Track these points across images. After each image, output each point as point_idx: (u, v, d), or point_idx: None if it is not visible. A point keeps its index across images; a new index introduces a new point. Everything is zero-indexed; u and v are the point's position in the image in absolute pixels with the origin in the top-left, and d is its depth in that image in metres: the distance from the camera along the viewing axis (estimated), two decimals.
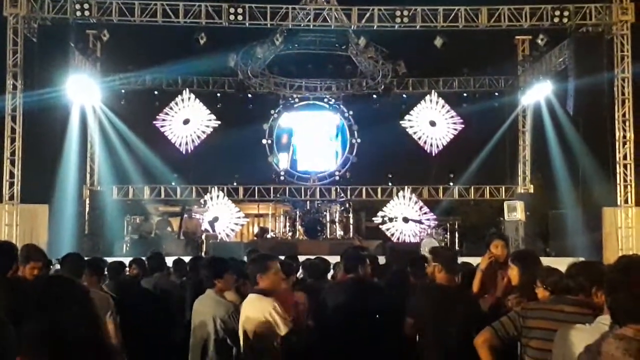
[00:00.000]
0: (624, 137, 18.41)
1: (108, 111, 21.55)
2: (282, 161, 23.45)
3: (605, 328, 3.07)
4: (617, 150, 18.39)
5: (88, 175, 21.93)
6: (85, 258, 6.59)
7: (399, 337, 5.95)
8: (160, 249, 15.54)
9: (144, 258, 8.97)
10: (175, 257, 9.67)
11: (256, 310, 5.37)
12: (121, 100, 22.40)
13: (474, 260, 8.51)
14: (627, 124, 18.38)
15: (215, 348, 5.72)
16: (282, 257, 7.13)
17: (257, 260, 5.81)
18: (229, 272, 6.02)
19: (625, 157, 18.41)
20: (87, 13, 18.28)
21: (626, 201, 18.37)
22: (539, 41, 19.59)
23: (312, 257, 8.31)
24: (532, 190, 22.43)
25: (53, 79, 17.72)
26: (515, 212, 20.47)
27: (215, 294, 5.86)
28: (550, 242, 19.18)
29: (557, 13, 18.42)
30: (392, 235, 21.74)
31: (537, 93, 21.03)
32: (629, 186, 18.37)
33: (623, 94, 18.40)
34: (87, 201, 21.19)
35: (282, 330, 5.28)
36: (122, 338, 5.75)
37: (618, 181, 18.36)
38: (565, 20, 18.43)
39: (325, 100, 23.73)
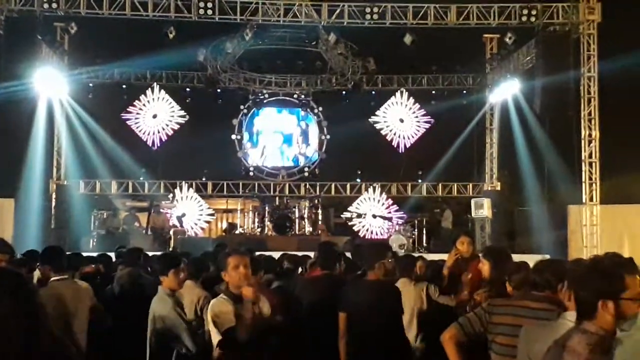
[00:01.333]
0: (590, 135, 18.64)
1: (75, 105, 21.26)
2: (251, 157, 23.39)
3: (570, 324, 3.11)
4: (583, 149, 18.61)
5: (55, 169, 21.66)
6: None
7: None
8: (127, 244, 15.46)
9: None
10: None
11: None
12: (89, 93, 22.18)
13: (441, 257, 8.64)
14: (592, 122, 18.61)
15: (156, 343, 5.77)
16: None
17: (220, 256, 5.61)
18: (177, 268, 5.93)
19: (590, 156, 18.64)
20: (54, 5, 18.01)
21: (591, 199, 18.61)
22: (507, 40, 19.76)
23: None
24: (499, 188, 22.61)
25: (20, 72, 17.44)
26: (482, 209, 20.65)
27: (162, 290, 5.86)
28: (516, 239, 19.37)
29: (525, 12, 18.59)
30: (361, 231, 21.81)
31: (505, 91, 21.21)
32: (594, 184, 18.60)
33: (589, 92, 18.62)
34: (54, 195, 20.97)
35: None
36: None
37: (583, 179, 18.59)
38: (532, 19, 18.62)
39: (295, 96, 23.70)
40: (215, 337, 4.88)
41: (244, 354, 4.77)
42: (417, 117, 22.96)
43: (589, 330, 2.85)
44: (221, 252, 6.08)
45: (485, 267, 5.56)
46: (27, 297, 2.57)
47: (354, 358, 5.82)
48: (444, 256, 8.27)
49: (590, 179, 18.61)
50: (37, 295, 2.68)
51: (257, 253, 8.95)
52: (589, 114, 18.62)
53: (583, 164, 18.58)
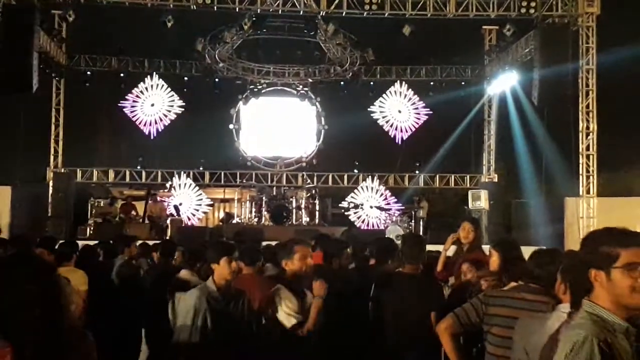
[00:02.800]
0: (588, 128, 18.64)
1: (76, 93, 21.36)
2: (248, 146, 23.37)
3: (565, 316, 3.11)
4: (580, 141, 18.62)
5: (52, 158, 21.66)
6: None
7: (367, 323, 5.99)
8: (124, 232, 15.48)
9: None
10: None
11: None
12: (86, 82, 22.13)
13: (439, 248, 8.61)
14: (590, 115, 18.61)
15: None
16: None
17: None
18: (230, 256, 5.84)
19: (588, 148, 18.64)
20: None
21: (588, 191, 18.62)
22: (506, 31, 19.77)
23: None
24: (496, 180, 22.64)
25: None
26: (479, 201, 20.67)
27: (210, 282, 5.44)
28: (513, 231, 19.39)
29: (524, 4, 18.55)
30: (358, 222, 21.85)
31: (503, 83, 21.22)
32: (591, 177, 18.62)
33: (587, 85, 18.62)
34: (51, 183, 20.96)
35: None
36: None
37: (580, 172, 18.61)
38: (531, 11, 18.58)
39: (293, 86, 23.67)
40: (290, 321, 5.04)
41: None
42: (415, 108, 22.98)
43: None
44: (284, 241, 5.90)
45: (493, 257, 5.51)
46: (50, 284, 2.60)
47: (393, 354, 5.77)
48: (440, 247, 8.28)
49: (588, 171, 18.62)
50: (60, 282, 2.70)
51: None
52: (587, 106, 18.62)
53: (580, 156, 18.60)
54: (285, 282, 5.22)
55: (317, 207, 20.54)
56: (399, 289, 5.77)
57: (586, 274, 2.71)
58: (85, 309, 6.14)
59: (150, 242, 10.20)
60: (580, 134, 18.64)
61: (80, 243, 8.73)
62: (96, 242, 9.73)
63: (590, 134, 18.65)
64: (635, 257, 2.61)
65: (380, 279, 6.06)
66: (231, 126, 23.21)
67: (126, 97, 22.19)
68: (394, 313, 5.68)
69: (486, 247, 7.90)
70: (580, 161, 18.61)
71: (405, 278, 5.89)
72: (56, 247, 7.48)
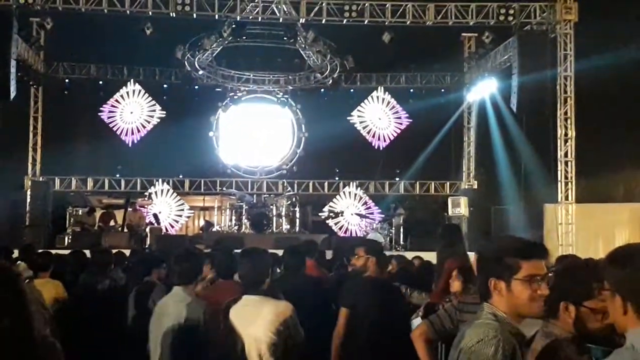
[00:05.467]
0: (566, 134, 18.74)
1: (54, 100, 21.24)
2: (228, 154, 23.29)
3: (538, 326, 3.11)
4: (559, 148, 18.70)
5: (30, 166, 21.49)
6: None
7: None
8: (102, 241, 15.36)
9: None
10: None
11: None
12: (65, 90, 21.98)
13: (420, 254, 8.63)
14: (569, 121, 18.71)
15: None
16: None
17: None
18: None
19: (566, 155, 18.73)
20: (30, 0, 17.85)
21: (567, 198, 18.71)
22: (485, 39, 19.90)
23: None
24: (475, 186, 22.73)
25: None
26: (459, 208, 20.73)
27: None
28: (492, 237, 19.45)
29: (503, 11, 18.67)
30: (339, 229, 21.84)
31: (482, 90, 21.32)
32: (569, 183, 18.70)
33: (565, 92, 18.72)
34: (29, 192, 20.78)
35: None
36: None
37: (559, 178, 18.69)
38: (510, 18, 18.70)
39: (273, 93, 23.64)
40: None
41: None
42: (395, 115, 23.04)
43: (552, 332, 2.86)
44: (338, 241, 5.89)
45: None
46: (17, 292, 2.55)
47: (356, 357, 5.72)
48: (422, 254, 8.32)
49: (566, 177, 18.70)
50: (26, 290, 2.64)
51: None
52: (565, 113, 18.72)
53: (559, 163, 18.68)
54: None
55: (298, 215, 20.50)
56: (364, 294, 5.75)
57: (486, 282, 2.76)
58: (59, 319, 6.07)
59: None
60: (559, 141, 18.72)
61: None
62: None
63: (569, 140, 18.74)
64: (535, 269, 2.70)
65: (348, 284, 6.05)
66: (211, 134, 23.13)
67: (105, 104, 22.07)
68: (362, 319, 5.66)
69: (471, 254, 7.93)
70: (559, 167, 18.69)
71: (369, 282, 5.89)
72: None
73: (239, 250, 5.64)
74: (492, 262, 2.77)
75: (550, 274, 2.73)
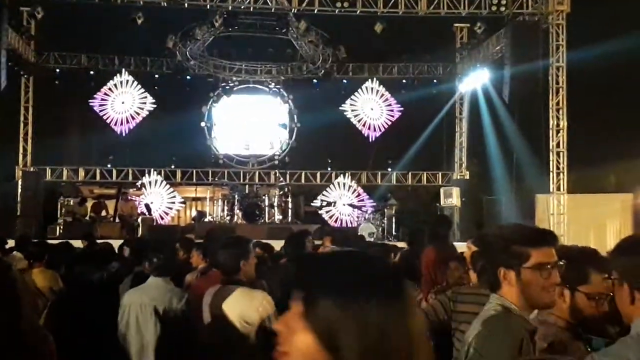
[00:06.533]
0: (558, 125, 18.79)
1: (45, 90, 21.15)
2: (220, 144, 23.24)
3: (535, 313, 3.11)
4: (551, 138, 18.76)
5: (21, 156, 21.41)
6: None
7: None
8: (94, 232, 15.33)
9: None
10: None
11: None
12: (55, 80, 21.87)
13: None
14: (560, 112, 18.76)
15: None
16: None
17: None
18: None
19: (558, 145, 18.79)
20: None
21: (558, 188, 18.77)
22: (477, 29, 19.92)
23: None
24: (467, 177, 22.76)
25: None
26: (451, 198, 20.78)
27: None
28: (485, 228, 19.49)
29: (495, 1, 18.69)
30: (331, 219, 21.85)
31: (474, 80, 21.31)
32: (561, 174, 18.76)
33: (557, 82, 18.76)
34: (20, 182, 20.71)
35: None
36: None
37: (551, 169, 18.75)
38: (502, 8, 18.72)
39: (265, 83, 23.59)
40: None
41: None
42: (387, 105, 23.03)
43: (546, 321, 2.86)
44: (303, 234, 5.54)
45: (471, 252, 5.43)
46: (9, 284, 2.53)
47: None
48: None
49: (558, 168, 18.76)
50: (18, 281, 2.62)
51: None
52: (557, 103, 18.76)
53: (551, 153, 18.74)
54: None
55: (290, 205, 20.52)
56: None
57: (495, 272, 2.73)
58: (54, 308, 6.06)
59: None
60: (551, 131, 18.78)
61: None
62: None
63: (561, 131, 18.79)
64: (545, 257, 2.65)
65: None
66: (203, 124, 23.06)
67: (96, 94, 21.98)
68: None
69: (459, 244, 7.93)
70: (551, 158, 18.74)
71: None
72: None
73: None
74: (499, 251, 2.72)
75: (561, 262, 2.68)
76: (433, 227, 7.26)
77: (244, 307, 4.31)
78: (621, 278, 2.26)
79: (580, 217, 18.34)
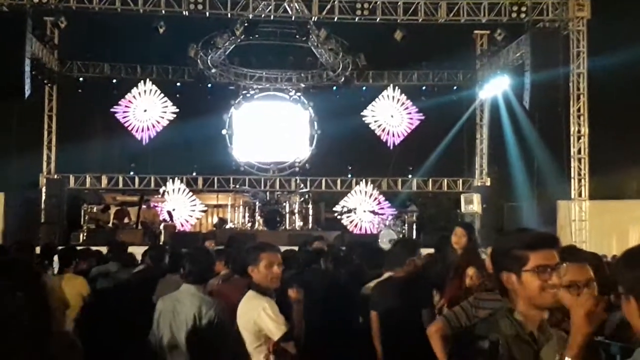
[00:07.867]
0: (579, 131, 18.75)
1: (69, 99, 21.40)
2: (242, 152, 23.35)
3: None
4: (572, 145, 18.73)
5: (45, 164, 21.65)
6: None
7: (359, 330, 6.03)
8: (117, 238, 15.47)
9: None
10: None
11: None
12: (79, 88, 22.12)
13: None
14: (581, 118, 18.72)
15: None
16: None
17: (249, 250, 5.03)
18: None
19: (579, 152, 18.75)
20: None
21: (580, 195, 18.72)
22: (497, 36, 19.87)
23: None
24: (488, 183, 22.68)
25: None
26: (472, 205, 20.70)
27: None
28: (504, 233, 19.43)
29: (515, 8, 18.69)
30: (352, 226, 21.87)
31: (495, 87, 21.27)
32: (582, 180, 18.72)
33: (578, 89, 18.74)
34: (44, 189, 20.94)
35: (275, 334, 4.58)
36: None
37: (572, 175, 18.72)
38: (522, 15, 18.71)
39: (286, 91, 23.70)
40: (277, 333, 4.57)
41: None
42: (407, 112, 23.05)
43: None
44: (250, 246, 5.41)
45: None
46: (38, 290, 2.57)
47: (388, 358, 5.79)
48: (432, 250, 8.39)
49: (579, 174, 18.72)
50: (47, 289, 2.67)
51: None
52: (578, 110, 18.73)
53: (572, 159, 18.70)
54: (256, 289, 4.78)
55: (311, 212, 20.56)
56: (390, 294, 5.80)
57: (499, 276, 2.81)
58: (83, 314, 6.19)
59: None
60: (572, 138, 18.75)
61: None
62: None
63: (582, 137, 18.75)
64: (543, 259, 2.71)
65: (376, 285, 6.10)
66: (224, 131, 23.18)
67: (119, 103, 22.20)
68: (386, 318, 5.72)
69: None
70: (572, 164, 18.71)
71: (395, 282, 5.93)
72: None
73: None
74: (502, 256, 2.81)
75: (563, 264, 2.74)
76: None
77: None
78: (627, 293, 2.27)
79: (602, 224, 18.28)
